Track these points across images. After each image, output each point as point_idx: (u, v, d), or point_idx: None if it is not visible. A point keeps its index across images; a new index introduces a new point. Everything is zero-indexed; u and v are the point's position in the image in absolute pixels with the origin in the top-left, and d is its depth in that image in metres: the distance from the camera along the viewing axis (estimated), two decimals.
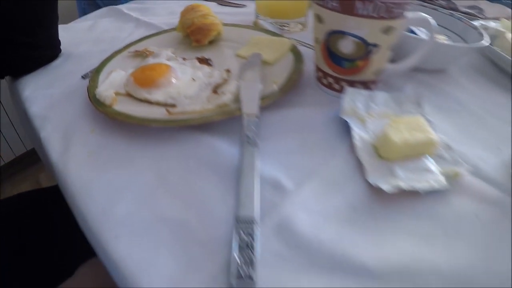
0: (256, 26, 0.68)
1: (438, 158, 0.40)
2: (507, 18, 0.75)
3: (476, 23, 0.65)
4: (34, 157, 1.74)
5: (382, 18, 0.42)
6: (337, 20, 0.45)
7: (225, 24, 0.65)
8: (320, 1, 0.45)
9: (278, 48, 0.57)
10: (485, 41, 0.55)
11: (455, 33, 0.66)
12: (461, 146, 0.43)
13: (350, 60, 0.47)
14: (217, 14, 0.68)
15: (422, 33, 0.61)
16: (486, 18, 0.82)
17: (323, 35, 0.47)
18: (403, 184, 0.36)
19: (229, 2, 0.84)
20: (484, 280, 0.30)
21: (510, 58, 0.58)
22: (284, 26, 0.69)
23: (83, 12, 1.30)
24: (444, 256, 0.31)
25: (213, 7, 0.78)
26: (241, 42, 0.60)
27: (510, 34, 0.67)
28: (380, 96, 0.47)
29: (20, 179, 1.82)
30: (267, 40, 0.60)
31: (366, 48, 0.45)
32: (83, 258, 0.64)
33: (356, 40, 0.45)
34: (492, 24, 0.73)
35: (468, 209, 0.36)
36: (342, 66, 0.48)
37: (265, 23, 0.68)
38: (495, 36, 0.69)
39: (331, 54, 0.47)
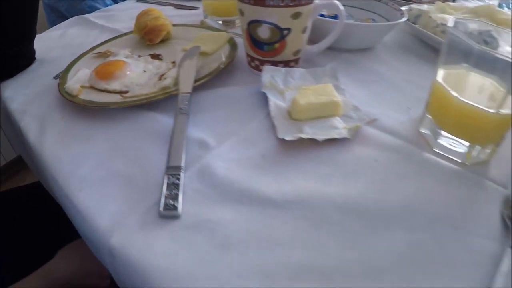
0: (203, 25, 0.77)
1: (346, 118, 0.50)
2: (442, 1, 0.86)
3: (406, 7, 0.76)
4: None
5: (289, 6, 0.52)
6: (253, 12, 0.54)
7: (175, 25, 0.75)
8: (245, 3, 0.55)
9: (217, 41, 0.66)
10: (403, 19, 0.65)
11: (381, 16, 0.76)
12: (372, 108, 0.52)
13: (269, 44, 0.56)
14: (172, 16, 0.77)
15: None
16: (420, 2, 0.92)
17: (245, 25, 0.57)
18: (304, 135, 0.45)
19: (184, 6, 0.94)
20: (374, 208, 0.38)
21: (428, 32, 0.69)
22: (227, 23, 0.79)
23: (52, 24, 1.39)
24: (340, 191, 0.40)
25: (170, 11, 0.88)
26: (189, 39, 0.70)
27: (434, 14, 0.77)
28: (297, 71, 0.57)
29: (20, 178, 1.88)
30: (209, 35, 0.69)
31: (280, 33, 0.55)
32: (63, 243, 0.73)
33: (270, 26, 0.54)
34: (425, 6, 0.84)
35: (368, 154, 0.45)
36: (263, 50, 0.57)
37: (211, 21, 0.78)
38: (419, 15, 0.80)
39: (253, 40, 0.57)
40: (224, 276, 0.32)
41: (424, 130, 0.48)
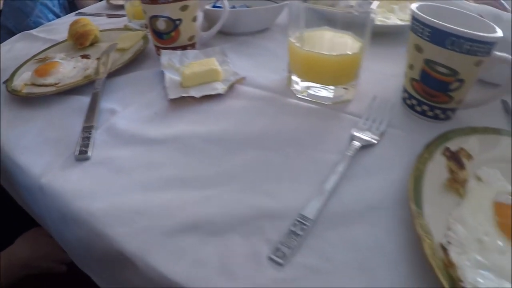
0: (126, 28, 0.93)
1: (225, 81, 0.65)
2: None
3: None
4: None
5: (177, 1, 0.68)
6: (151, 9, 0.69)
7: (102, 30, 0.90)
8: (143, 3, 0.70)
9: (133, 39, 0.81)
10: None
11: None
12: (251, 72, 0.67)
13: (166, 33, 0.71)
14: (104, 24, 0.93)
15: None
16: None
17: (148, 20, 0.72)
18: (185, 94, 0.61)
19: (114, 15, 1.10)
20: (234, 137, 0.53)
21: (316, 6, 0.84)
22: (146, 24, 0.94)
23: (2, 40, 1.52)
24: (208, 129, 0.55)
25: (103, 20, 1.04)
26: (113, 40, 0.85)
27: None
28: (191, 53, 0.72)
29: None
30: (128, 34, 0.84)
31: (173, 23, 0.70)
32: (21, 230, 0.85)
33: (165, 19, 0.70)
34: None
35: (238, 104, 0.60)
36: (163, 39, 0.72)
37: (133, 24, 0.93)
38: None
39: (155, 32, 0.72)
40: (115, 190, 0.47)
41: (290, 82, 0.63)
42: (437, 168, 0.48)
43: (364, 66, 0.62)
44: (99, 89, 0.63)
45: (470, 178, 0.48)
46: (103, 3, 1.22)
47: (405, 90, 0.61)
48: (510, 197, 0.46)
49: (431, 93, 0.57)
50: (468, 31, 0.50)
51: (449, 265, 0.35)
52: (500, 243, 0.40)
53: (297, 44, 0.58)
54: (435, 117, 0.59)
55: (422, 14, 0.53)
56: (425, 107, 0.59)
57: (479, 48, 0.51)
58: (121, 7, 1.11)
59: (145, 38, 0.80)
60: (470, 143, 0.54)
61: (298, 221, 0.40)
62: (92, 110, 0.59)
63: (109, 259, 0.42)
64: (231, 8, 0.82)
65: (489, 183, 0.48)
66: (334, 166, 0.47)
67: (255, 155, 0.49)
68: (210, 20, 0.76)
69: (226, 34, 0.83)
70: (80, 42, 0.83)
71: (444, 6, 0.60)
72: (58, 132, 0.58)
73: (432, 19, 0.52)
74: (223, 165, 0.48)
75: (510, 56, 0.53)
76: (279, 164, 0.48)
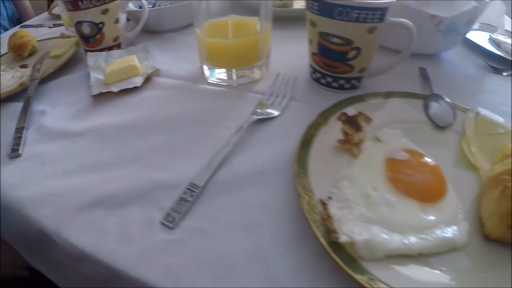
0: (62, 36, 0.99)
1: (145, 75, 0.72)
2: None
3: None
4: None
5: (96, 6, 0.74)
6: (74, 15, 0.75)
7: (39, 40, 0.96)
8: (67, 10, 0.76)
9: (66, 45, 0.88)
10: None
11: None
12: (171, 65, 0.74)
13: (91, 37, 0.78)
14: (44, 34, 0.98)
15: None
16: None
17: (74, 26, 0.78)
18: (104, 90, 0.67)
19: (55, 24, 1.16)
20: (144, 124, 0.60)
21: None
22: None
23: None
24: (123, 119, 0.61)
25: (45, 30, 1.10)
26: (50, 49, 0.91)
27: None
28: (116, 53, 0.78)
29: None
30: (62, 42, 0.91)
31: (96, 27, 0.76)
32: None
33: (88, 23, 0.76)
34: None
35: (153, 94, 0.67)
36: (90, 42, 0.78)
37: (68, 32, 0.99)
38: None
39: (82, 36, 0.78)
40: (40, 178, 0.52)
41: (202, 70, 0.70)
42: (331, 132, 0.53)
43: (274, 48, 0.70)
44: (31, 94, 0.69)
45: (366, 140, 0.53)
46: (45, 14, 1.28)
47: (310, 66, 0.67)
48: (403, 152, 0.50)
49: (331, 64, 0.63)
50: (351, 1, 0.55)
51: (326, 218, 0.38)
52: (389, 197, 0.43)
53: (200, 34, 0.65)
54: (341, 88, 0.65)
55: None
56: (329, 79, 0.65)
57: (368, 15, 0.56)
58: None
59: (77, 43, 0.86)
60: (370, 107, 0.59)
61: (188, 189, 0.46)
62: (24, 113, 0.65)
63: (37, 240, 0.48)
64: (155, 7, 0.88)
65: (388, 143, 0.53)
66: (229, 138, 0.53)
67: (160, 137, 0.56)
68: (135, 20, 0.83)
69: (151, 32, 0.90)
70: (18, 53, 0.89)
71: None
72: None
73: None
74: (132, 148, 0.55)
75: (405, 21, 0.59)
76: (181, 143, 0.55)
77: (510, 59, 0.84)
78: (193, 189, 0.46)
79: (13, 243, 0.55)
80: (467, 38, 0.89)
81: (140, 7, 0.89)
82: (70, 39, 0.90)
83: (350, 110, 0.57)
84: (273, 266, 0.38)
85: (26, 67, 0.84)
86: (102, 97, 0.66)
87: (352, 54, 0.60)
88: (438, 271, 0.38)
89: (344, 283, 0.35)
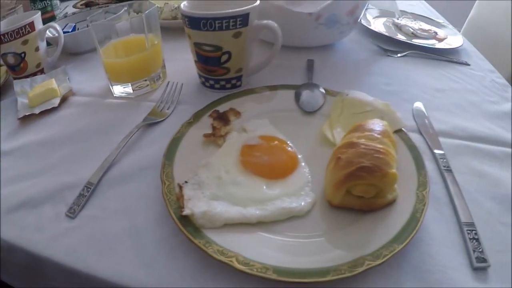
0: None
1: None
2: None
3: None
4: None
5: (16, 38, 0.88)
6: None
7: None
8: None
9: None
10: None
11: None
12: (84, 84, 0.89)
13: (16, 66, 0.91)
14: None
15: None
16: None
17: (1, 57, 0.92)
18: (28, 112, 0.82)
19: None
20: (64, 138, 0.75)
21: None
22: None
23: None
24: (43, 135, 0.78)
25: None
26: None
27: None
28: (39, 77, 0.91)
29: None
30: None
31: (19, 57, 0.90)
32: None
33: (12, 54, 0.89)
34: None
35: (69, 112, 0.81)
36: (16, 70, 0.91)
37: None
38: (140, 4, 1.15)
39: (8, 66, 0.92)
40: None
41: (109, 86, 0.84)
42: (201, 129, 0.67)
43: (171, 57, 0.87)
44: None
45: (233, 131, 0.66)
46: None
47: (197, 72, 0.81)
48: (258, 139, 0.61)
49: (209, 69, 0.77)
50: (211, 13, 0.68)
51: (178, 198, 0.50)
52: (237, 177, 0.54)
53: (100, 55, 0.79)
54: (223, 88, 0.79)
55: (182, 8, 0.72)
56: (211, 82, 0.79)
57: (230, 23, 0.69)
58: None
59: (7, 72, 1.00)
60: (243, 102, 0.73)
61: (86, 186, 0.61)
62: None
63: None
64: (72, 31, 1.02)
65: (254, 131, 0.65)
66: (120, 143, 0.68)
67: (70, 148, 0.70)
68: (55, 44, 0.97)
69: (71, 54, 1.04)
70: None
71: None
72: None
73: (186, 10, 0.70)
74: (48, 160, 0.68)
75: (269, 22, 0.73)
76: (85, 151, 0.69)
77: (404, 40, 1.02)
78: (89, 186, 0.61)
79: None
80: (363, 25, 1.05)
81: (66, 32, 1.03)
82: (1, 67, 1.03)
83: (223, 107, 0.71)
84: (143, 238, 0.52)
85: None
86: (27, 119, 0.80)
87: (224, 58, 0.74)
88: (278, 236, 0.47)
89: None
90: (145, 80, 0.81)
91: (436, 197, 0.55)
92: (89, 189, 0.60)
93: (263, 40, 0.93)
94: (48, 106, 0.81)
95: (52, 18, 1.18)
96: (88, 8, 1.21)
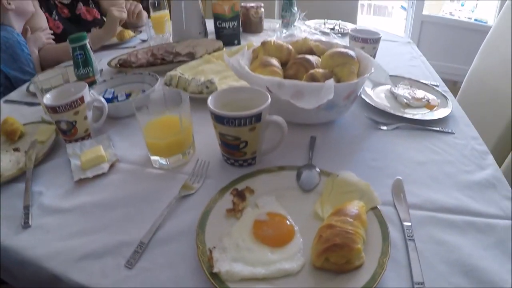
0: (42, 120, 1.31)
1: (110, 161, 1.06)
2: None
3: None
4: None
5: (69, 110, 1.08)
6: (53, 116, 1.09)
7: (25, 124, 1.27)
8: (49, 113, 1.09)
9: (48, 132, 1.17)
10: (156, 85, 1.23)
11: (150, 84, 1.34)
12: (127, 151, 1.09)
13: (68, 131, 1.09)
14: (27, 115, 1.33)
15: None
16: (196, 58, 1.55)
17: (54, 122, 1.12)
18: (83, 176, 1.02)
19: (32, 103, 1.48)
20: (116, 203, 0.95)
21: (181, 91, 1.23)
22: None
23: None
24: (98, 197, 0.96)
25: (24, 109, 1.42)
26: (34, 133, 1.23)
27: (180, 74, 1.35)
28: (87, 142, 1.11)
29: None
30: (44, 128, 1.21)
31: (71, 124, 1.09)
32: None
33: (64, 121, 1.10)
34: (194, 62, 1.48)
35: (116, 177, 1.00)
36: (67, 135, 1.09)
37: (46, 117, 1.31)
38: (171, 78, 1.37)
39: (60, 130, 1.12)
40: (46, 241, 0.85)
41: (149, 156, 1.04)
42: (225, 203, 0.85)
43: (200, 131, 1.06)
44: (29, 178, 1.02)
45: (248, 207, 0.85)
46: (23, 89, 1.59)
47: (221, 151, 1.01)
48: (265, 215, 0.77)
49: (230, 152, 0.97)
50: (232, 113, 0.87)
51: (210, 259, 0.66)
52: (250, 245, 0.71)
53: (143, 134, 0.98)
54: (241, 165, 0.99)
55: (209, 104, 0.91)
56: (232, 160, 0.99)
57: (246, 121, 0.88)
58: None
59: (56, 131, 1.19)
60: (256, 181, 0.91)
61: (139, 245, 0.80)
62: (27, 194, 0.96)
63: (50, 284, 0.78)
64: (112, 98, 1.24)
65: (264, 207, 0.84)
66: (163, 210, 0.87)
67: (121, 211, 0.88)
68: (100, 111, 1.17)
69: (113, 118, 1.24)
70: (10, 138, 1.21)
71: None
72: (6, 211, 0.93)
73: (213, 108, 0.90)
74: (103, 220, 0.86)
75: (277, 118, 0.93)
76: (134, 214, 0.87)
77: (396, 113, 1.16)
78: (142, 245, 0.79)
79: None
80: (361, 98, 1.25)
81: (107, 98, 1.23)
82: (50, 126, 1.20)
83: (241, 186, 0.90)
84: (183, 286, 0.69)
85: (19, 151, 1.15)
86: (82, 181, 0.99)
87: (242, 145, 0.93)
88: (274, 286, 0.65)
89: None
90: (179, 155, 1.01)
91: (397, 261, 0.69)
92: (141, 247, 0.79)
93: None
94: (98, 170, 1.00)
95: (93, 83, 1.34)
96: (124, 74, 1.40)
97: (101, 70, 1.57)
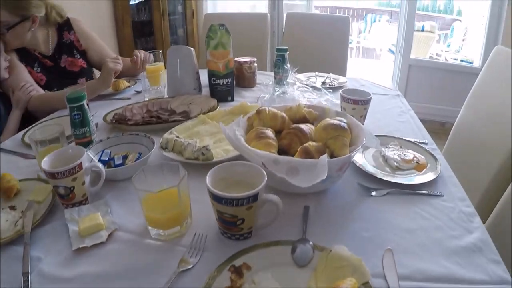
0: (38, 177, 1.32)
1: (108, 228, 1.09)
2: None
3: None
4: None
5: (68, 176, 1.11)
6: (52, 181, 1.12)
7: (21, 180, 1.28)
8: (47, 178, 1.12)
9: (45, 192, 1.20)
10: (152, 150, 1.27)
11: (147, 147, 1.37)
12: (124, 219, 1.10)
13: (66, 195, 1.12)
14: (22, 168, 1.36)
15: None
16: (191, 117, 1.58)
17: (53, 187, 1.15)
18: (81, 245, 1.04)
19: (27, 155, 1.50)
20: (116, 273, 0.97)
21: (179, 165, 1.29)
22: None
23: None
24: (97, 268, 0.99)
25: (20, 161, 1.44)
26: (30, 190, 1.25)
27: (181, 136, 1.40)
28: (85, 207, 1.13)
29: None
30: (41, 187, 1.23)
31: (69, 189, 1.12)
32: None
33: (62, 187, 1.12)
34: (189, 122, 1.51)
35: (114, 247, 1.02)
36: (64, 199, 1.10)
37: (42, 174, 1.33)
38: (167, 141, 1.41)
39: (58, 194, 1.15)
40: None
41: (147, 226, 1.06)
42: (223, 280, 0.87)
43: (197, 199, 1.07)
44: (27, 242, 1.02)
45: (245, 283, 0.87)
46: (18, 139, 1.61)
47: (218, 225, 1.04)
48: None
49: (227, 228, 1.00)
50: (230, 194, 0.91)
51: None
52: None
53: (141, 207, 1.01)
54: (238, 239, 1.02)
55: (207, 184, 0.95)
56: (229, 234, 1.02)
57: (244, 201, 0.92)
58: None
59: (53, 192, 1.20)
60: (252, 257, 0.94)
61: None
62: (25, 259, 0.95)
63: None
64: (110, 159, 1.28)
65: (260, 284, 0.87)
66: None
67: (120, 282, 0.89)
68: (98, 173, 1.19)
69: (111, 180, 1.26)
70: (7, 195, 1.22)
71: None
72: (5, 276, 0.94)
73: (212, 188, 0.93)
74: None
75: (273, 197, 0.97)
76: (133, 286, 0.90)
77: (386, 179, 1.21)
78: None
79: None
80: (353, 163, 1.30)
81: (103, 160, 1.27)
82: (47, 185, 1.22)
83: (238, 262, 0.93)
84: None
85: (15, 209, 1.16)
86: (80, 249, 1.01)
87: (239, 222, 0.97)
88: None
89: None
90: (176, 227, 1.03)
91: None
92: None
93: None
94: (97, 239, 1.02)
95: (90, 142, 1.31)
96: (120, 134, 1.44)
97: (97, 124, 1.59)
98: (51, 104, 1.85)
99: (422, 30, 5.94)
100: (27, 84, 1.91)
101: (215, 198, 0.94)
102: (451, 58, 5.92)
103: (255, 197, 0.94)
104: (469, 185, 1.19)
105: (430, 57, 6.26)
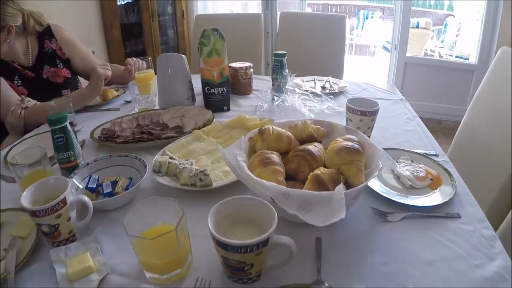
0: (22, 207, 1.21)
1: (100, 272, 0.97)
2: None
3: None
4: None
5: (50, 213, 1.00)
6: (34, 219, 1.00)
7: (3, 210, 1.17)
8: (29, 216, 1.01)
9: (28, 227, 1.10)
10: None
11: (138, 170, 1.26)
12: (117, 258, 1.00)
13: (51, 233, 1.01)
14: (5, 193, 1.24)
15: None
16: (185, 132, 1.50)
17: (36, 225, 1.03)
18: None
19: (12, 179, 1.38)
20: None
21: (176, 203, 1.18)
22: None
23: None
24: None
25: (4, 186, 1.32)
26: (14, 223, 1.13)
27: (170, 159, 1.29)
28: (72, 245, 1.02)
29: None
30: (24, 221, 1.12)
31: (53, 227, 1.00)
32: None
33: (46, 224, 1.00)
34: (183, 139, 1.41)
35: None
36: (49, 237, 1.00)
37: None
38: (160, 165, 1.29)
39: (42, 232, 1.03)
40: None
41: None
42: None
43: (196, 233, 0.97)
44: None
45: None
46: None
47: (223, 269, 0.94)
48: None
49: (235, 273, 0.90)
50: (236, 242, 0.82)
51: None
52: None
53: (135, 250, 0.90)
54: (245, 283, 0.92)
55: (211, 229, 0.85)
56: (236, 278, 0.92)
57: (251, 248, 0.82)
58: None
59: (37, 229, 1.07)
60: None
61: None
62: None
63: None
64: (98, 186, 1.18)
65: None
66: None
67: None
68: (85, 205, 1.08)
69: (100, 211, 1.15)
70: None
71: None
72: None
73: (215, 234, 0.83)
74: None
75: (285, 239, 0.87)
76: None
77: (401, 202, 1.14)
78: None
79: None
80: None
81: (90, 188, 1.17)
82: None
83: None
84: None
85: None
86: None
87: (247, 267, 0.87)
88: None
89: None
90: (176, 270, 0.93)
91: None
92: None
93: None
94: (87, 283, 0.91)
95: (75, 167, 1.23)
96: (108, 156, 1.32)
97: (83, 142, 1.49)
98: (37, 117, 1.74)
99: (417, 27, 5.86)
100: (16, 107, 1.77)
101: (220, 244, 0.84)
102: (446, 54, 5.86)
103: (265, 242, 0.84)
104: (477, 192, 1.14)
105: (425, 53, 6.20)
